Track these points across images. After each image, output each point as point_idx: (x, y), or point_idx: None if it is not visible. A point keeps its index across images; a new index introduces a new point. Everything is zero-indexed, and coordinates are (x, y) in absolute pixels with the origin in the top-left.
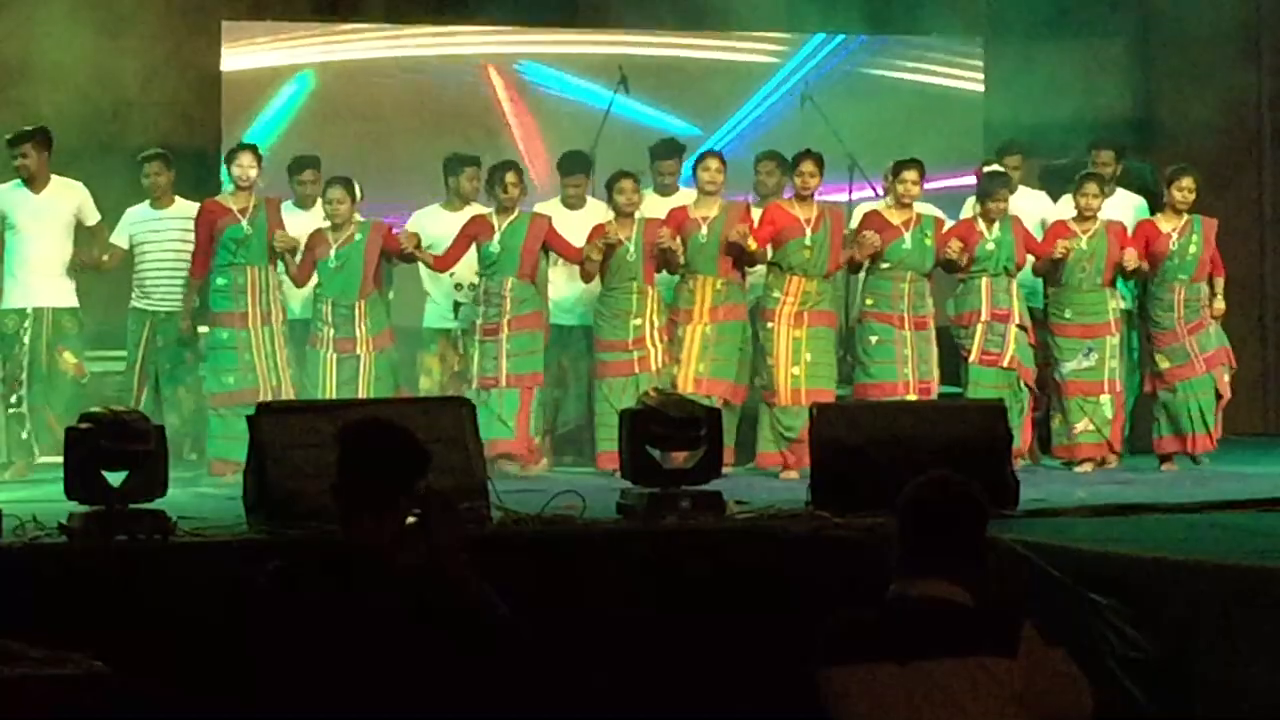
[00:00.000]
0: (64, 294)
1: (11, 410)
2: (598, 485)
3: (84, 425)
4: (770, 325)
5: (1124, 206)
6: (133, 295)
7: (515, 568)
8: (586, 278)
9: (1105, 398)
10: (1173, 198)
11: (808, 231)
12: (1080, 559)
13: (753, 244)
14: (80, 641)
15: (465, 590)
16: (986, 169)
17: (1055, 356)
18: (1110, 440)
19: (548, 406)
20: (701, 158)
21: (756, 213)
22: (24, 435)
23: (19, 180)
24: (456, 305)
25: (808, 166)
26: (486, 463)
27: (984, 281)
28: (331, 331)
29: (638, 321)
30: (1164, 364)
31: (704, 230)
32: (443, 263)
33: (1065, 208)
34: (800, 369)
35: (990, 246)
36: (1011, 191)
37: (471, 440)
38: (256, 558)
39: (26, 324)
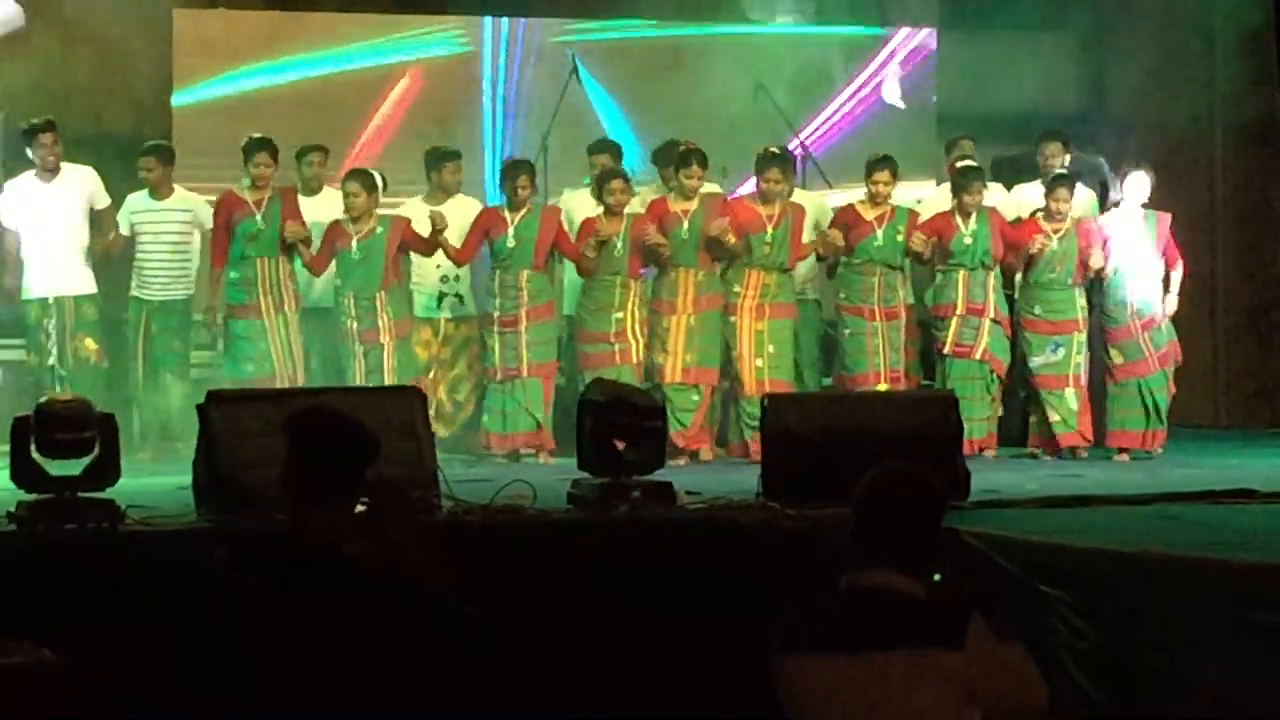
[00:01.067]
0: (83, 281)
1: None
2: (550, 476)
3: (29, 414)
4: (733, 319)
5: (1076, 202)
6: (132, 284)
7: (465, 558)
8: (584, 274)
9: (1070, 391)
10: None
11: (769, 228)
12: (1030, 550)
13: (732, 238)
14: (28, 630)
15: (423, 583)
16: (960, 163)
17: (1024, 351)
18: (1080, 430)
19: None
20: (688, 164)
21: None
22: None
23: (33, 172)
24: (441, 296)
25: (773, 173)
26: (509, 455)
27: (960, 275)
28: (355, 324)
29: (619, 315)
30: (1117, 359)
31: (685, 225)
32: (462, 255)
33: (1022, 196)
34: (764, 360)
35: (967, 240)
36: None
37: (422, 429)
38: (206, 547)
39: (50, 315)
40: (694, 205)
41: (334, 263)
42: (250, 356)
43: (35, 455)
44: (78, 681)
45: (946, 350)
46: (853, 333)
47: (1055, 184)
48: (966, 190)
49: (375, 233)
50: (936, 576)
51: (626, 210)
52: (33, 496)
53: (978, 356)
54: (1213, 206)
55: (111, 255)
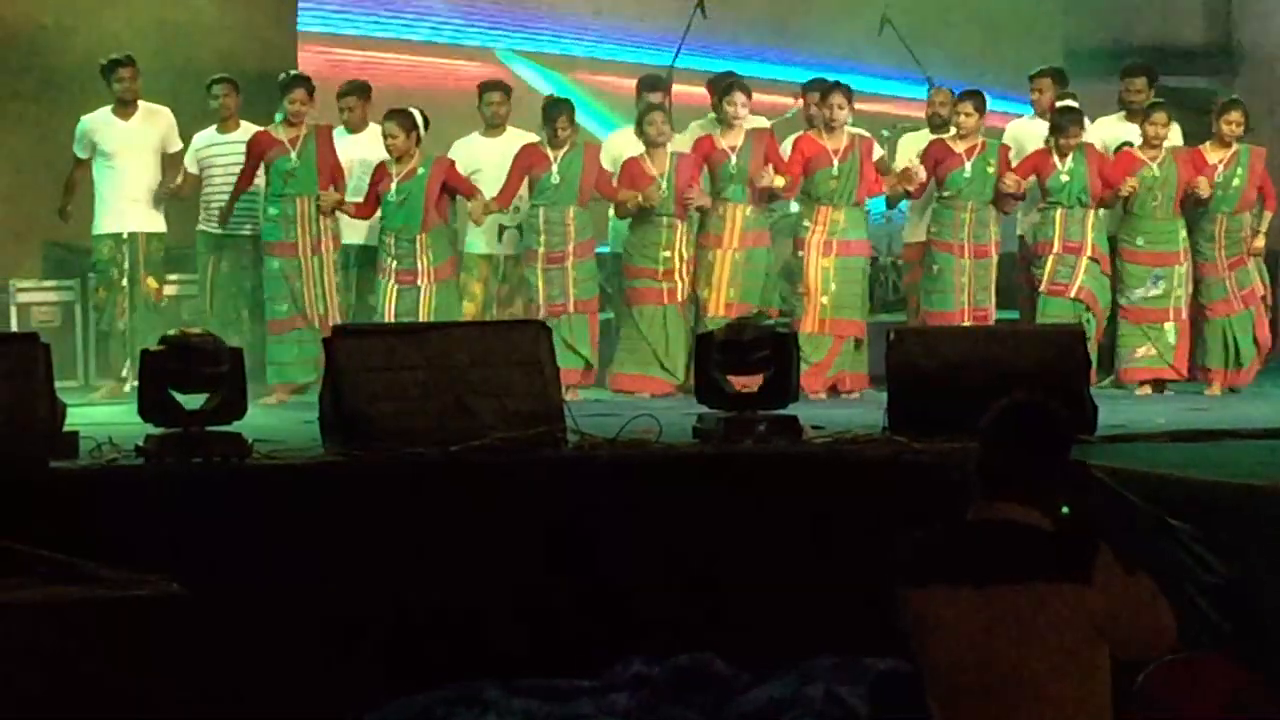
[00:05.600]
0: (153, 219)
1: (108, 331)
2: (670, 409)
3: (159, 348)
4: (801, 254)
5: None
6: (200, 218)
7: (593, 491)
8: (620, 216)
9: (1170, 325)
10: (1220, 130)
11: (835, 161)
12: (1158, 484)
13: (780, 181)
14: (157, 563)
15: None
16: (1059, 104)
17: (1124, 282)
18: (1175, 365)
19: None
20: (729, 90)
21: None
22: (122, 358)
23: (109, 108)
24: (501, 229)
25: (837, 99)
26: None
27: (1058, 213)
28: (394, 264)
29: (667, 253)
30: (1204, 297)
31: (733, 160)
32: (502, 201)
33: (1105, 131)
34: (828, 298)
35: (1064, 179)
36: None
37: (548, 362)
38: (332, 480)
39: (123, 249)
40: (740, 140)
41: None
42: (284, 296)
43: (168, 389)
44: (204, 614)
45: (1042, 288)
46: (940, 269)
47: (1152, 109)
48: (1064, 133)
49: (416, 174)
50: (1064, 509)
51: (669, 148)
52: (160, 430)
53: (1072, 295)
54: None
55: (181, 196)
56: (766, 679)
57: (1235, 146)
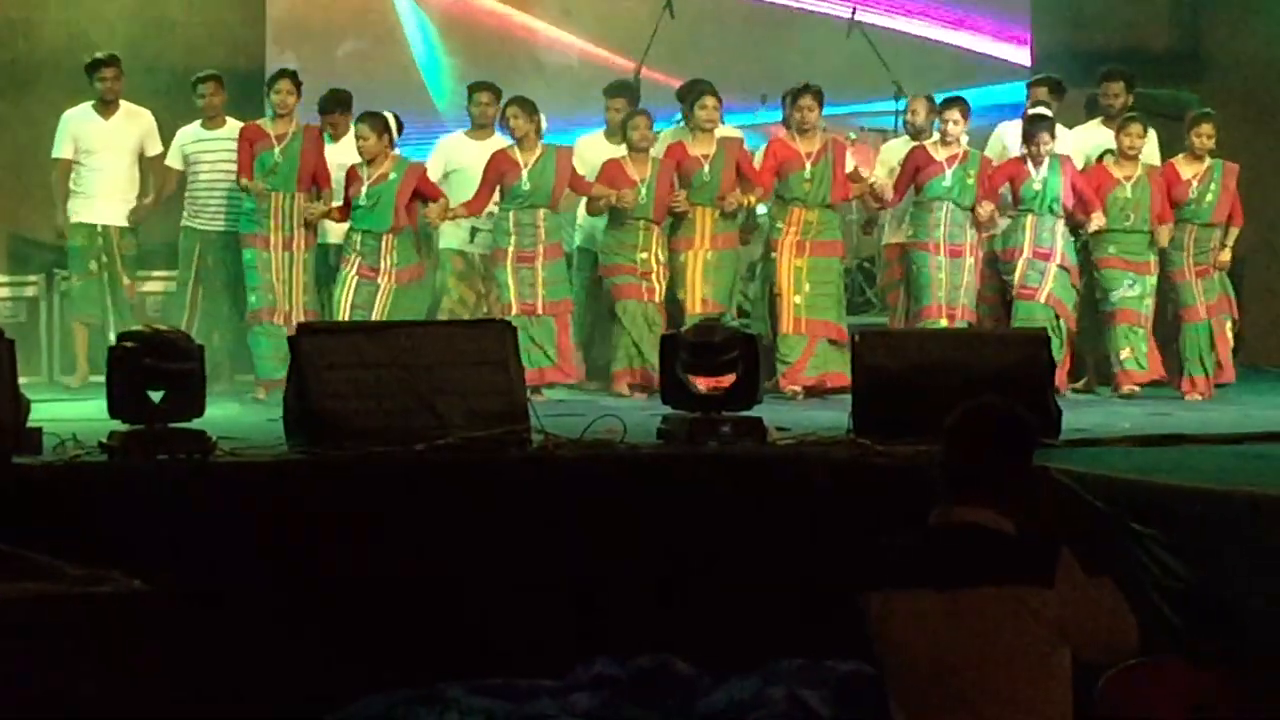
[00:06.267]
0: (124, 215)
1: (86, 321)
2: (636, 409)
3: (127, 344)
4: (774, 255)
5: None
6: (184, 214)
7: (556, 491)
8: (591, 213)
9: (1142, 330)
10: (1193, 144)
11: (807, 165)
12: (1121, 488)
13: (752, 200)
14: (119, 560)
15: None
16: (1030, 111)
17: (1103, 287)
18: (1151, 369)
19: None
20: (699, 96)
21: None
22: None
23: (90, 105)
24: (474, 231)
25: (806, 101)
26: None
27: (1029, 220)
28: (359, 259)
29: (644, 255)
30: (1176, 304)
31: (706, 169)
32: (474, 208)
33: (1084, 137)
34: (801, 298)
35: (1036, 187)
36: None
37: (513, 363)
38: (296, 478)
39: (99, 242)
40: (713, 149)
41: None
42: (255, 286)
43: (138, 384)
44: (167, 611)
45: (1013, 292)
46: (918, 267)
47: (1128, 122)
48: (1033, 140)
49: (388, 178)
50: (1026, 514)
51: (652, 153)
52: (125, 427)
53: (1042, 299)
54: None
55: (162, 199)
56: (729, 680)
57: (1209, 161)
